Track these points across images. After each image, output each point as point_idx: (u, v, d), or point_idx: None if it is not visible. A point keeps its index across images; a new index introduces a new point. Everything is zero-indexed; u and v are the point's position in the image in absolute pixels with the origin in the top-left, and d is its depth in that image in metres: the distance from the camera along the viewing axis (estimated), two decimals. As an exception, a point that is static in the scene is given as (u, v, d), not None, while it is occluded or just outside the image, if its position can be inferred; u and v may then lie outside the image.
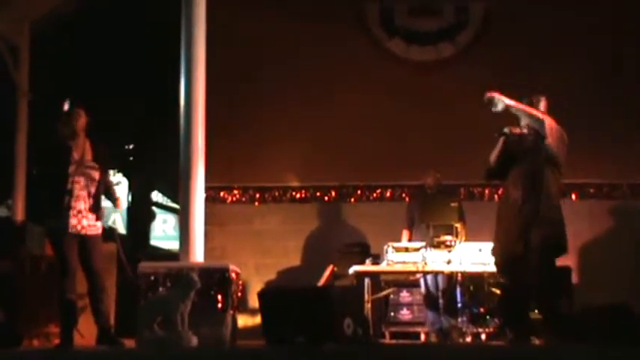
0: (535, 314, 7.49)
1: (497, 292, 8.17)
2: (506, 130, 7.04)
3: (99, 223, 7.12)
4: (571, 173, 9.61)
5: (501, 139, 7.07)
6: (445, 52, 10.50)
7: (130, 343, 6.95)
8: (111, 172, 7.25)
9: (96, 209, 7.08)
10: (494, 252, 7.18)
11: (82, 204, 7.00)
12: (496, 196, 9.94)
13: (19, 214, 10.52)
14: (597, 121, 9.85)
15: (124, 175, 14.73)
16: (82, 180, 7.02)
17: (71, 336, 7.00)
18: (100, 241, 7.16)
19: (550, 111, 7.07)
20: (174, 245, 11.65)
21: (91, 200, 7.05)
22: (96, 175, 7.10)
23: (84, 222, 6.99)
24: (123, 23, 12.11)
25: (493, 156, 7.14)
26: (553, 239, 6.84)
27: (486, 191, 10.16)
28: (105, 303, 7.08)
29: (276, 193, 10.45)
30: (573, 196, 10.06)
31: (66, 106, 7.16)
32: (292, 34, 10.34)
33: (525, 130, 7.00)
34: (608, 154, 9.85)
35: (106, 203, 7.41)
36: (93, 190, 7.07)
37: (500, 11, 10.43)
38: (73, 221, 6.95)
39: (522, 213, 6.84)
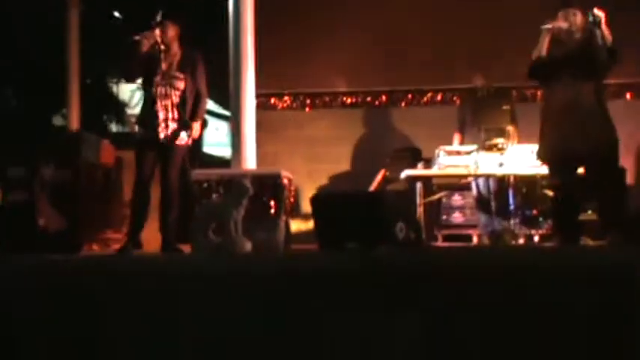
0: (588, 215, 7.49)
1: (550, 193, 8.13)
2: (549, 25, 6.81)
3: (182, 134, 7.19)
4: (625, 72, 9.47)
5: (548, 34, 6.81)
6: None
7: (186, 248, 7.09)
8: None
9: (180, 119, 7.17)
10: (544, 153, 7.05)
11: (162, 114, 7.12)
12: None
13: (74, 123, 10.67)
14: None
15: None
16: (165, 90, 7.15)
17: (130, 241, 7.17)
18: (180, 151, 7.23)
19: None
20: (226, 152, 11.75)
21: (174, 110, 7.16)
22: (180, 84, 7.19)
23: (165, 132, 7.12)
24: None
25: (537, 52, 6.83)
26: (616, 138, 6.75)
27: (539, 93, 9.99)
28: (172, 215, 7.16)
29: (327, 99, 10.42)
30: (628, 96, 9.89)
31: (158, 17, 7.22)
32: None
33: (572, 26, 6.79)
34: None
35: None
36: (176, 99, 7.17)
37: None
38: (154, 130, 7.10)
39: (582, 111, 6.69)
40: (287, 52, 10.09)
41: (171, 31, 7.23)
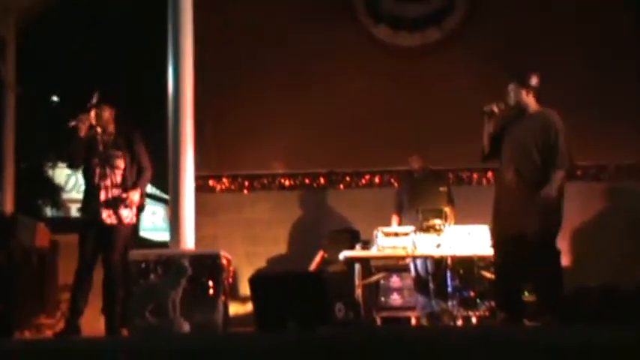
0: (527, 296, 7.53)
1: (488, 275, 8.18)
2: (487, 108, 6.95)
3: (125, 212, 7.14)
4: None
5: (486, 119, 6.97)
6: (431, 37, 10.47)
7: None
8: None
9: (122, 199, 7.12)
10: (492, 233, 7.15)
11: (103, 194, 7.07)
12: (484, 180, 10.01)
13: (9, 206, 10.50)
14: (584, 103, 9.84)
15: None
16: (104, 170, 7.12)
17: (70, 326, 7.04)
18: (123, 231, 7.16)
19: (537, 93, 7.00)
20: (163, 237, 11.64)
21: (116, 190, 7.13)
22: (120, 162, 7.16)
23: (108, 212, 7.05)
24: (110, 12, 12.09)
25: (485, 139, 6.99)
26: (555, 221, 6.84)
27: (475, 175, 10.18)
28: (116, 297, 7.06)
29: (265, 181, 10.44)
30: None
31: (95, 99, 7.24)
32: (279, 22, 10.34)
33: (503, 106, 6.94)
34: (594, 135, 9.83)
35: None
36: (117, 179, 7.14)
37: (487, -6, 10.43)
38: (97, 212, 7.05)
39: (518, 192, 6.80)
40: (226, 134, 10.14)
41: (107, 113, 7.26)
